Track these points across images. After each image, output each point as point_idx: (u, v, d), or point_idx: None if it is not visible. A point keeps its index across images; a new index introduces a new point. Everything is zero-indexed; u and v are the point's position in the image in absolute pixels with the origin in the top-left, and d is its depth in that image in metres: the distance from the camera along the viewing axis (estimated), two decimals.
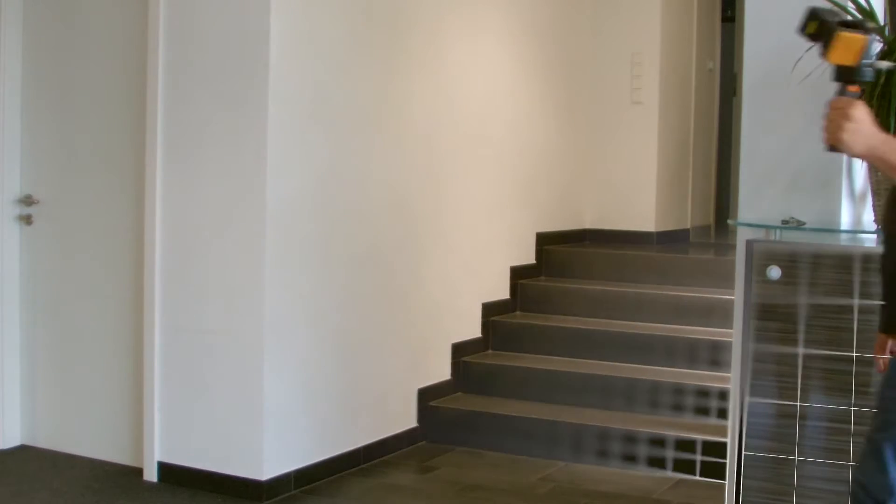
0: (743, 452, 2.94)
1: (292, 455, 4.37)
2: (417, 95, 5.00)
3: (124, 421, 4.64)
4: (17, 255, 4.88)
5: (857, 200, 3.24)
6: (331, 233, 4.50)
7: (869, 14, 2.96)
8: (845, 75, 2.31)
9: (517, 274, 5.90)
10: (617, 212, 6.60)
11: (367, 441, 4.77)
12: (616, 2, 6.57)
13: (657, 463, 4.68)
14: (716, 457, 4.47)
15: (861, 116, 2.23)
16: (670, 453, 4.66)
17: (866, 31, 2.31)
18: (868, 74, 2.32)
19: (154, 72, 4.37)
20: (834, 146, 2.26)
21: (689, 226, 7.06)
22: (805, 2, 3.09)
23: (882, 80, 2.87)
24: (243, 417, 4.24)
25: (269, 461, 4.25)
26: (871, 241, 3.09)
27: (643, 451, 4.70)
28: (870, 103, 2.90)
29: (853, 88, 2.31)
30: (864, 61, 2.30)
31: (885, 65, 2.49)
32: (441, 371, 5.30)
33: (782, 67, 3.15)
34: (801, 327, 2.86)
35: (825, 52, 2.33)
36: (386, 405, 4.90)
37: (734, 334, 3.17)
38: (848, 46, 2.30)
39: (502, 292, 5.78)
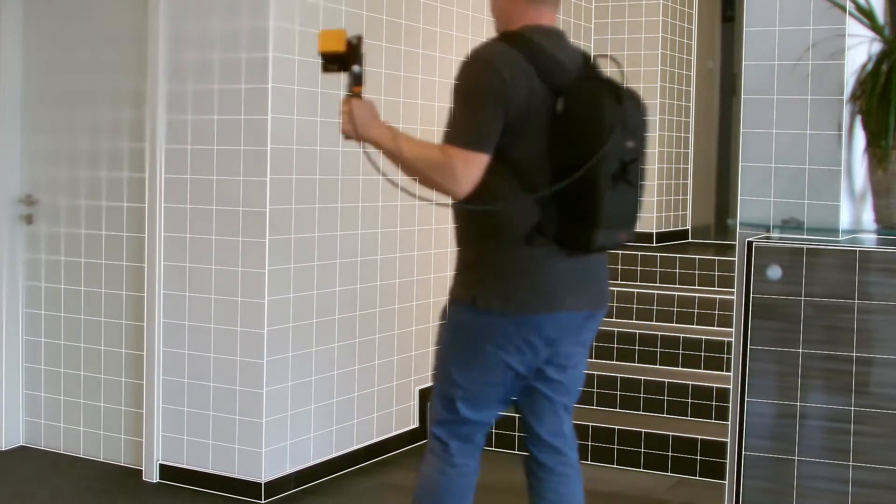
0: (743, 452, 2.94)
1: (292, 455, 4.37)
2: (419, 95, 5.00)
3: (125, 421, 4.64)
4: (18, 255, 4.89)
5: (857, 200, 3.24)
6: (331, 232, 4.50)
7: (869, 14, 2.96)
8: (336, 62, 2.92)
9: None
10: None
11: (367, 441, 4.77)
12: (616, 2, 6.57)
13: (657, 463, 4.68)
14: (716, 457, 4.47)
15: (358, 112, 2.84)
16: (670, 453, 4.66)
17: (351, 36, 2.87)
18: (357, 71, 2.89)
19: (154, 71, 4.37)
20: (346, 136, 2.89)
21: (689, 226, 7.06)
22: (805, 2, 3.11)
23: (882, 80, 2.87)
24: (243, 417, 4.24)
25: (269, 461, 4.25)
26: (871, 241, 3.09)
27: (643, 451, 4.70)
28: (870, 103, 2.90)
29: (356, 89, 2.89)
30: (355, 63, 2.89)
31: (357, 69, 2.91)
32: None
33: (782, 67, 3.15)
34: (801, 327, 2.86)
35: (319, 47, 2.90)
36: (386, 405, 4.90)
37: (734, 334, 3.16)
38: (331, 37, 2.88)
39: None
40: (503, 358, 2.82)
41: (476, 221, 2.80)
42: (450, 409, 2.96)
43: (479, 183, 2.70)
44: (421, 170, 2.78)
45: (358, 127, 2.86)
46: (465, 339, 2.85)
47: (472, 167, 2.68)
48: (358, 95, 2.90)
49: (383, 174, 2.97)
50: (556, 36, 2.89)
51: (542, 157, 2.72)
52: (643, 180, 2.90)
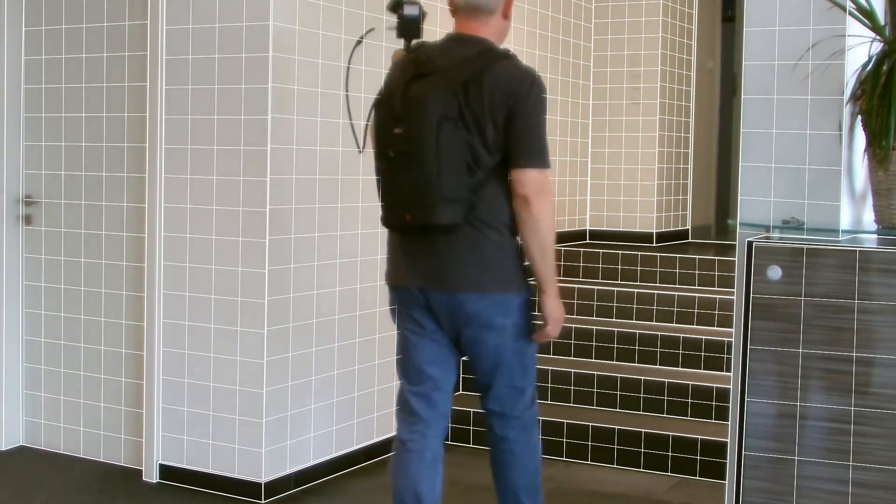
0: (743, 452, 2.94)
1: (292, 455, 4.37)
2: None
3: (124, 422, 4.64)
4: (18, 255, 4.89)
5: (857, 200, 3.24)
6: (331, 232, 4.50)
7: (869, 14, 2.96)
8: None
9: None
10: (617, 212, 6.60)
11: (367, 441, 4.78)
12: (616, 2, 6.57)
13: (657, 463, 4.68)
14: (716, 457, 4.47)
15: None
16: (670, 453, 4.66)
17: None
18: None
19: (154, 70, 4.37)
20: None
21: (689, 226, 7.06)
22: (805, 2, 3.10)
23: (882, 80, 2.87)
24: (243, 417, 4.24)
25: (269, 461, 4.25)
26: (871, 241, 3.09)
27: (643, 451, 4.70)
28: (870, 103, 2.90)
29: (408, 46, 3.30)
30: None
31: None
32: None
33: (782, 67, 3.15)
34: (801, 327, 2.86)
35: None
36: (386, 405, 4.90)
37: (734, 334, 3.16)
38: None
39: None
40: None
41: None
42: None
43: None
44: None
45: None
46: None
47: None
48: (408, 49, 3.27)
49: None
50: None
51: None
52: (427, 165, 3.02)
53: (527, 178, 3.06)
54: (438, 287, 3.14)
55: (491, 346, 3.18)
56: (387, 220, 3.20)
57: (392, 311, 3.35)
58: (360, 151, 3.68)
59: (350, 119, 3.74)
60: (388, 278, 3.33)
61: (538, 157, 3.08)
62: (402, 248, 3.23)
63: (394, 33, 3.36)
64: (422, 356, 3.24)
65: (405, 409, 3.26)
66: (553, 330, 3.21)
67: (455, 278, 3.12)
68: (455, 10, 3.26)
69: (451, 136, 3.01)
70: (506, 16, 3.28)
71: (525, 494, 3.26)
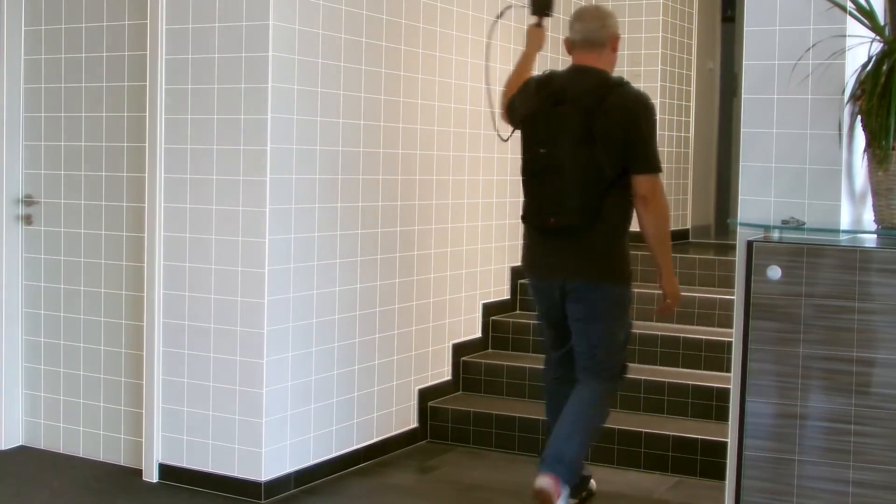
0: (743, 452, 2.94)
1: (292, 455, 4.37)
2: (418, 95, 5.00)
3: (124, 421, 4.64)
4: (18, 255, 4.89)
5: (857, 200, 3.24)
6: (331, 233, 4.50)
7: (869, 14, 2.96)
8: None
9: (517, 274, 5.89)
10: None
11: (367, 441, 4.78)
12: (616, 1, 6.57)
13: (657, 463, 4.68)
14: (716, 457, 4.47)
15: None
16: (670, 453, 4.66)
17: None
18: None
19: (154, 71, 4.37)
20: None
21: (689, 226, 7.06)
22: (805, 2, 3.11)
23: (882, 80, 2.87)
24: (243, 417, 4.24)
25: (269, 461, 4.25)
26: (871, 241, 3.09)
27: (643, 451, 4.70)
28: (870, 103, 2.90)
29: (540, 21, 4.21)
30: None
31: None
32: (441, 371, 5.30)
33: (782, 67, 3.15)
34: (801, 327, 2.86)
35: None
36: (386, 405, 4.90)
37: (734, 334, 3.17)
38: None
39: (502, 292, 5.78)
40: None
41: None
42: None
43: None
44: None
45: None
46: None
47: None
48: (540, 25, 4.17)
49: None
50: None
51: None
52: (572, 178, 3.81)
53: (644, 182, 3.79)
54: (567, 277, 3.87)
55: (590, 323, 3.90)
56: (529, 221, 3.98)
57: (533, 297, 4.12)
58: (505, 140, 4.20)
59: (491, 107, 4.31)
60: (527, 270, 4.09)
61: (652, 165, 3.82)
62: (540, 245, 3.97)
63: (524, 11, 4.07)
64: (558, 327, 4.02)
65: (552, 368, 4.13)
66: (672, 303, 3.97)
67: (580, 270, 3.86)
68: (571, 47, 3.96)
69: (583, 155, 3.77)
70: (614, 49, 3.96)
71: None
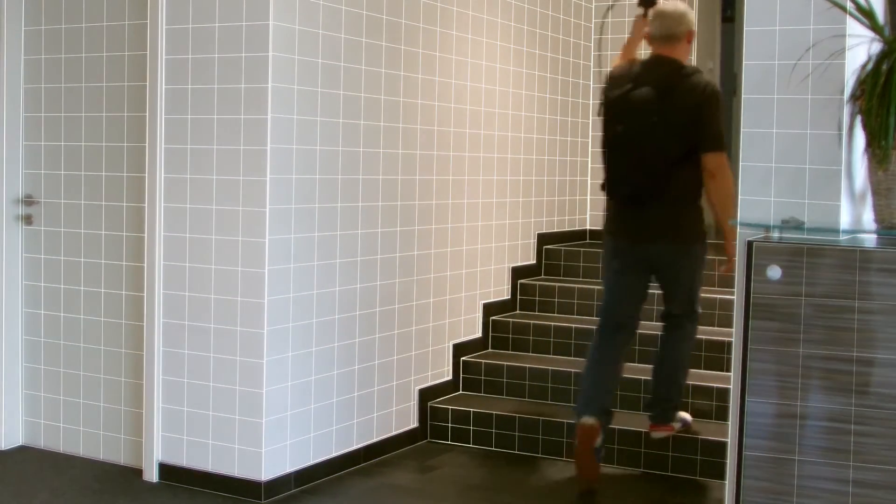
0: (743, 452, 2.94)
1: (292, 455, 4.37)
2: (418, 95, 5.00)
3: (124, 421, 4.64)
4: (18, 255, 4.89)
5: (857, 200, 3.24)
6: (331, 233, 4.50)
7: (869, 14, 2.96)
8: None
9: (518, 274, 5.90)
10: None
11: (367, 441, 4.78)
12: (616, 1, 6.56)
13: (657, 463, 4.68)
14: (716, 457, 4.47)
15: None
16: (670, 453, 4.66)
17: None
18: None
19: (154, 71, 4.37)
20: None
21: None
22: (805, 2, 3.10)
23: (882, 80, 2.87)
24: (243, 417, 4.24)
25: (269, 461, 4.25)
26: (871, 241, 3.09)
27: (643, 451, 4.70)
28: (870, 103, 2.90)
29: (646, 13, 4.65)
30: None
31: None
32: (441, 371, 5.30)
33: (782, 67, 3.15)
34: (801, 327, 2.86)
35: None
36: (386, 405, 4.90)
37: (734, 334, 3.17)
38: None
39: (503, 292, 5.78)
40: None
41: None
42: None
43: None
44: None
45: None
46: None
47: None
48: (646, 15, 4.64)
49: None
50: None
51: None
52: (647, 153, 4.33)
53: (712, 159, 4.25)
54: (648, 239, 4.41)
55: (681, 275, 4.50)
56: (609, 191, 4.47)
57: (606, 255, 4.61)
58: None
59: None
60: (608, 234, 4.57)
61: (718, 144, 4.28)
62: (620, 213, 4.46)
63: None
64: (625, 286, 4.53)
65: (607, 326, 4.58)
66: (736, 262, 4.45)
67: (659, 233, 4.38)
68: (652, 40, 4.48)
69: (658, 133, 4.27)
70: (689, 41, 4.52)
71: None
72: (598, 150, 4.56)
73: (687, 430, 4.66)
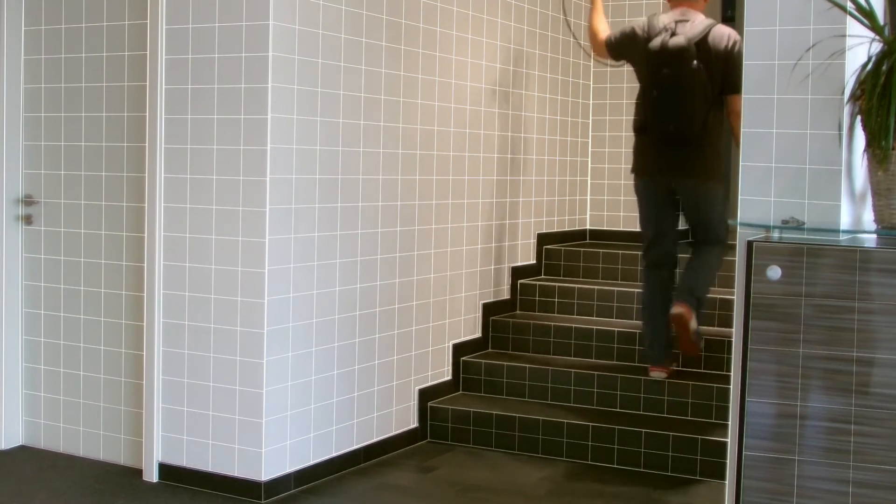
0: (743, 452, 2.94)
1: (292, 455, 4.37)
2: (418, 95, 5.00)
3: (124, 421, 4.64)
4: (18, 255, 4.89)
5: (857, 200, 3.24)
6: (331, 233, 4.50)
7: (869, 14, 2.96)
8: None
9: (518, 274, 5.90)
10: (617, 212, 6.60)
11: (367, 441, 4.78)
12: (616, 1, 6.57)
13: (657, 463, 4.68)
14: (716, 457, 4.47)
15: None
16: (670, 453, 4.66)
17: None
18: None
19: (154, 70, 4.37)
20: None
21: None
22: (805, 2, 3.10)
23: (882, 80, 2.87)
24: (243, 417, 4.24)
25: (269, 461, 4.25)
26: (871, 241, 3.09)
27: (643, 451, 4.70)
28: (870, 103, 2.90)
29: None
30: None
31: None
32: (441, 371, 5.30)
33: (782, 67, 3.15)
34: (801, 327, 2.85)
35: None
36: (386, 405, 4.90)
37: (734, 334, 3.17)
38: None
39: (502, 292, 5.78)
40: None
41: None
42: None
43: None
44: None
45: None
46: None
47: None
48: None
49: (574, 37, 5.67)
50: None
51: None
52: (685, 96, 4.79)
53: (738, 100, 4.19)
54: (681, 175, 4.89)
55: (705, 208, 4.95)
56: (645, 130, 4.91)
57: (639, 194, 5.07)
58: (608, 66, 5.44)
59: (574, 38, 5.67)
60: (638, 172, 5.02)
61: (740, 87, 4.35)
62: (653, 151, 4.90)
63: None
64: (660, 217, 5.03)
65: (649, 255, 5.06)
66: None
67: (692, 170, 4.86)
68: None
69: (696, 77, 4.75)
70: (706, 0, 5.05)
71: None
72: (606, 134, 5.15)
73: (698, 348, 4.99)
